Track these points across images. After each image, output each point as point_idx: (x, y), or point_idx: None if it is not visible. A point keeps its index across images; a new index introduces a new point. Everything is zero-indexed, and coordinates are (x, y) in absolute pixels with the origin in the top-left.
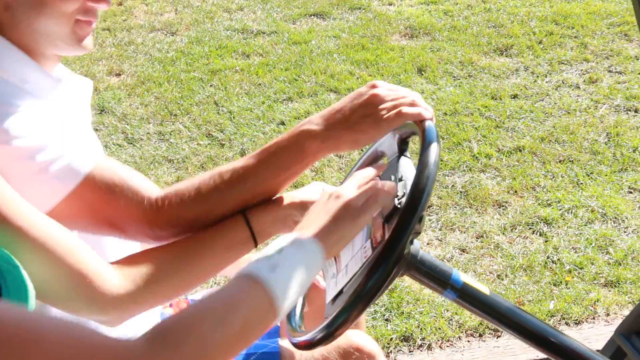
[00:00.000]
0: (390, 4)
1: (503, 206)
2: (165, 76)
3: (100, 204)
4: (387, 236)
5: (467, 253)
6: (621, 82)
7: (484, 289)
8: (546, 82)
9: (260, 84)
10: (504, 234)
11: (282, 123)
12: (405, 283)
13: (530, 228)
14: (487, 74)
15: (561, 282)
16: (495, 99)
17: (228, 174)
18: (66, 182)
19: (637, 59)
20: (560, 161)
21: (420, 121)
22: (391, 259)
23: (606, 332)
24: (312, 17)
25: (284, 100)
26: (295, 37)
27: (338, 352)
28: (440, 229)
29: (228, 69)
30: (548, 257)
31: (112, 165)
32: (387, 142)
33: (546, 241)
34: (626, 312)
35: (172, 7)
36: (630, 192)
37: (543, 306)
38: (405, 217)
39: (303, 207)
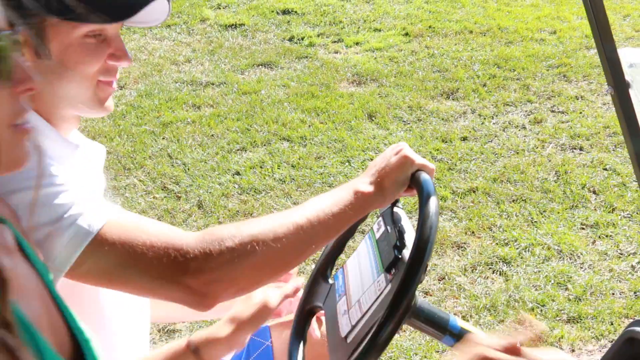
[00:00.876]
0: (336, 52)
1: (462, 247)
2: (116, 130)
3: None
4: (391, 285)
5: (430, 295)
6: (564, 121)
7: (480, 333)
8: (493, 123)
9: (212, 135)
10: (465, 274)
11: (238, 173)
12: None
13: (490, 268)
14: (436, 118)
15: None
16: (446, 142)
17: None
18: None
19: (577, 99)
20: (513, 200)
21: (414, 174)
22: (400, 310)
23: None
24: (260, 67)
25: (238, 150)
26: (245, 87)
27: None
28: None
29: (179, 121)
30: (510, 296)
31: (130, 219)
32: None
33: (507, 280)
34: (590, 348)
35: None
36: (583, 229)
37: None
38: (413, 268)
39: (254, 324)
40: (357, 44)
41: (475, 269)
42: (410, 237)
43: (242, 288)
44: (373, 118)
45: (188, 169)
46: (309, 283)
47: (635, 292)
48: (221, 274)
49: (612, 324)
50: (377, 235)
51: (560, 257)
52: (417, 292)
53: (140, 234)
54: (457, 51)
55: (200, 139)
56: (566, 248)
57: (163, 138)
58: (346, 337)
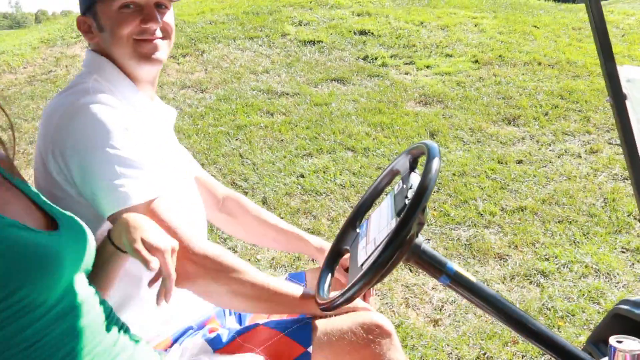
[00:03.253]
0: (407, 73)
1: (504, 259)
2: (194, 129)
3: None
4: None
5: None
6: (620, 153)
7: (472, 277)
8: (550, 150)
9: (282, 140)
10: (503, 282)
11: (302, 176)
12: (410, 320)
13: (528, 279)
14: (495, 141)
15: (554, 326)
16: (501, 163)
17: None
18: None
19: None
20: (559, 221)
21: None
22: (398, 239)
23: None
24: (333, 82)
25: (304, 155)
26: (317, 99)
27: (362, 327)
28: None
29: (253, 125)
30: (543, 304)
31: (169, 206)
32: (402, 162)
33: (542, 291)
34: None
35: (202, 67)
36: (623, 252)
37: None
38: (412, 206)
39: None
40: (427, 67)
41: (514, 279)
42: None
43: (204, 292)
44: (434, 136)
45: (257, 169)
46: (340, 230)
47: None
48: (199, 276)
49: None
50: (396, 192)
51: (597, 276)
52: (421, 238)
53: (164, 221)
54: (523, 81)
55: (271, 142)
56: (604, 268)
57: (236, 139)
58: (362, 265)
